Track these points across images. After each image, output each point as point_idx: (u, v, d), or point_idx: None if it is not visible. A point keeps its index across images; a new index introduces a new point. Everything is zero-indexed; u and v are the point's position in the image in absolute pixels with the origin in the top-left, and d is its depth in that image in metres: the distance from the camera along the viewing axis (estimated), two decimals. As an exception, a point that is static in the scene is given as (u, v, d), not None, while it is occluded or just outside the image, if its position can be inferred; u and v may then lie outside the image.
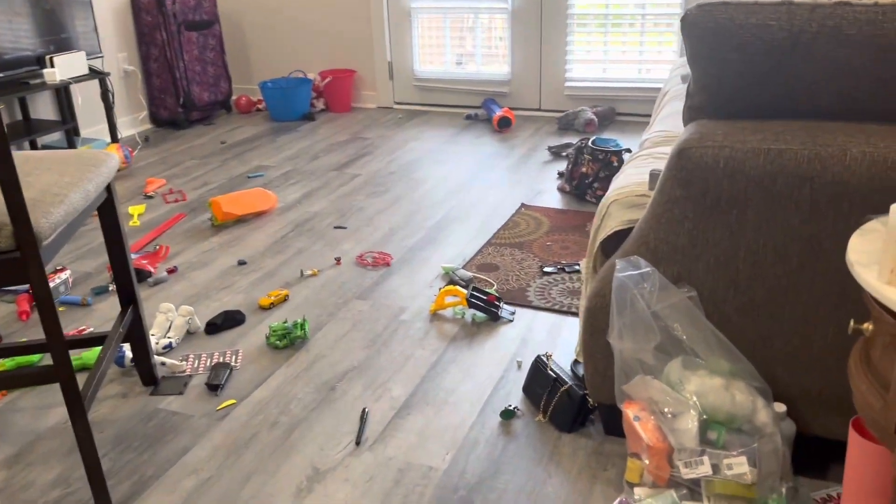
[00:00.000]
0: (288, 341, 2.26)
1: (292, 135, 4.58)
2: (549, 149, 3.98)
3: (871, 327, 1.13)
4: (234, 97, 5.35)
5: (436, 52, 4.94)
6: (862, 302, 1.46)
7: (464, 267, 2.72)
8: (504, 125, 4.42)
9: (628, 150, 3.28)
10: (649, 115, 4.48)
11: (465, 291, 2.39)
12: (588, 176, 3.26)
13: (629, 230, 1.71)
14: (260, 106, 5.18)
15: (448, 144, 4.26)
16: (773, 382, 1.59)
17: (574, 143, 3.82)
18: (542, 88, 4.72)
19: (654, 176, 1.72)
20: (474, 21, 4.76)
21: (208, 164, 4.07)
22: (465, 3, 4.71)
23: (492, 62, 4.83)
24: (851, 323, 1.15)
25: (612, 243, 1.77)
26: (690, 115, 1.64)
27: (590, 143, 3.29)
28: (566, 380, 1.88)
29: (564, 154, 3.93)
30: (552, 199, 3.36)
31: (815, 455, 1.70)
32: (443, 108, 5.01)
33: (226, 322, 2.39)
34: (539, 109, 4.78)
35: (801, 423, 1.61)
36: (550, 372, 1.92)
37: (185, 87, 4.72)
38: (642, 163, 2.04)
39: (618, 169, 3.21)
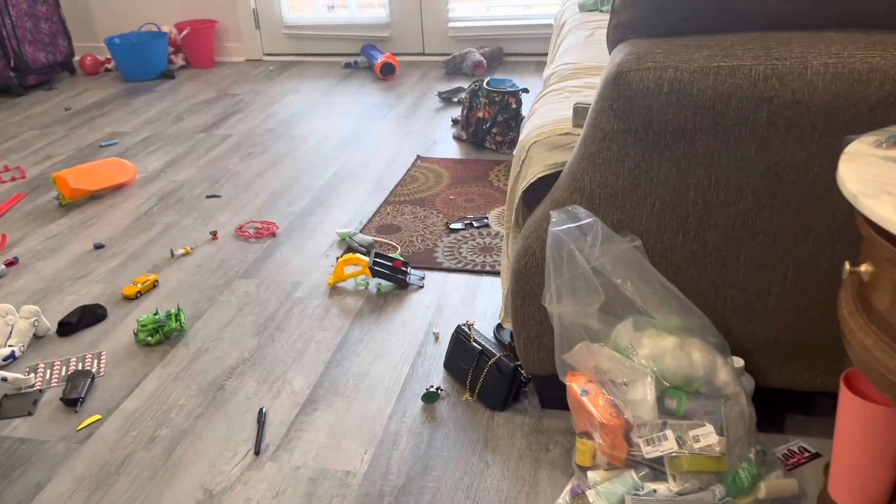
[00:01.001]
0: (161, 336, 1.91)
1: (150, 96, 4.06)
2: (440, 94, 3.70)
3: (870, 269, 0.95)
4: (77, 57, 4.72)
5: (305, -4, 4.51)
6: (826, 238, 1.30)
7: (362, 231, 2.43)
8: (387, 72, 4.09)
9: (526, 91, 3.05)
10: (539, 54, 4.28)
11: (366, 259, 2.11)
12: (485, 121, 3.02)
13: (556, 175, 1.47)
14: (109, 66, 4.60)
15: (328, 96, 3.89)
16: (728, 335, 1.43)
17: (466, 87, 3.56)
18: (425, 31, 4.40)
19: (579, 110, 1.49)
20: (345, -40, 4.36)
21: (51, 135, 3.52)
22: (333, -60, 4.30)
23: (368, 5, 4.46)
24: (846, 266, 0.96)
25: (534, 192, 1.53)
26: (617, 34, 1.41)
27: (484, 86, 3.04)
28: (493, 351, 1.65)
29: (456, 99, 3.67)
30: (449, 148, 3.10)
31: (771, 407, 1.56)
32: (318, 57, 4.61)
33: (83, 319, 2.02)
34: (423, 54, 4.47)
35: (757, 375, 1.46)
36: (475, 343, 1.68)
37: (16, 48, 4.07)
38: (555, 98, 1.81)
39: (517, 111, 2.98)
